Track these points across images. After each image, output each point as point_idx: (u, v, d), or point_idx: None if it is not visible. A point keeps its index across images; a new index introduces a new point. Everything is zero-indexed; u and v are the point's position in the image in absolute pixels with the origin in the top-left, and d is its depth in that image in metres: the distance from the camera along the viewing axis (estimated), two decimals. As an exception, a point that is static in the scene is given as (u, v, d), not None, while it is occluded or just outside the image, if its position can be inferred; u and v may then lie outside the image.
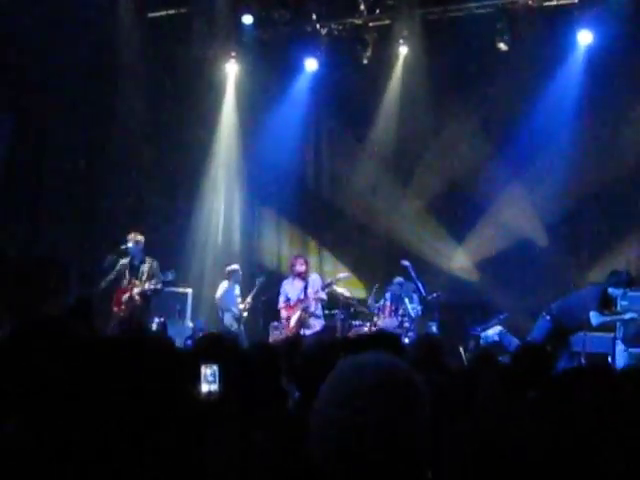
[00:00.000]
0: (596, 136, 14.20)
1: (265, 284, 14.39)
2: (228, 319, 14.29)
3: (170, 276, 13.08)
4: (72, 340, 2.96)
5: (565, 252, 14.42)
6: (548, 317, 11.50)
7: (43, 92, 14.55)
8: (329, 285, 13.76)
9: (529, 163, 14.43)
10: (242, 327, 14.27)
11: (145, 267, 12.95)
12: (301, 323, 13.35)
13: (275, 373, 4.79)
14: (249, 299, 14.35)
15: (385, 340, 5.81)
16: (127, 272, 12.93)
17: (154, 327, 12.87)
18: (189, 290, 14.96)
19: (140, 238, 13.04)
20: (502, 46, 14.43)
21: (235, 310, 14.28)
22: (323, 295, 13.59)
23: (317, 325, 13.44)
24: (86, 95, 15.38)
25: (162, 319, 13.53)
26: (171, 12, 16.34)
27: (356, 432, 2.00)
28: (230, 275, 14.56)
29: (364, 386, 2.03)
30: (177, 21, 16.25)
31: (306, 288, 13.49)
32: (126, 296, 12.82)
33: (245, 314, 14.35)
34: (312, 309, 13.46)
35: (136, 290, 12.80)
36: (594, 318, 10.99)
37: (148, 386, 2.45)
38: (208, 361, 4.14)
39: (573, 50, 14.36)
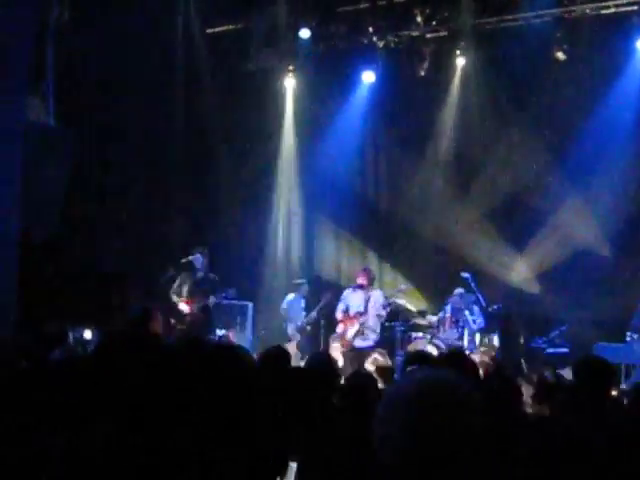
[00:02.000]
0: (657, 144, 14.02)
1: (331, 299, 14.47)
2: (291, 330, 14.51)
3: (231, 294, 13.29)
4: (156, 350, 3.06)
5: (627, 262, 14.21)
6: (637, 335, 11.30)
7: (105, 109, 14.81)
8: (390, 304, 13.77)
9: (589, 173, 14.25)
10: (305, 338, 14.42)
11: (207, 282, 13.12)
12: (357, 335, 13.38)
13: (328, 388, 4.81)
14: (314, 313, 14.54)
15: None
16: (189, 285, 13.10)
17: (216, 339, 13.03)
18: (250, 303, 15.10)
19: (205, 253, 13.22)
20: (560, 55, 14.33)
21: (299, 322, 14.50)
22: (383, 312, 13.59)
23: (372, 338, 13.42)
24: (148, 111, 15.62)
25: (226, 332, 13.70)
26: (230, 27, 16.54)
27: (412, 445, 2.04)
28: (297, 288, 14.81)
29: (417, 401, 2.06)
30: (236, 36, 16.45)
31: (367, 301, 13.51)
32: (187, 309, 12.97)
33: (309, 327, 14.53)
34: (370, 324, 13.47)
35: (196, 305, 12.96)
36: None
37: (229, 394, 2.53)
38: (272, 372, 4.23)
39: (633, 57, 14.20)
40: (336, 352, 12.57)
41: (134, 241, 15.54)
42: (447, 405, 2.06)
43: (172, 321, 13.00)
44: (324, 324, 14.88)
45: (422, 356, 6.61)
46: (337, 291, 14.71)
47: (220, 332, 13.78)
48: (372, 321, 13.49)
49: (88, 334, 12.06)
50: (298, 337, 14.40)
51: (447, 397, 2.08)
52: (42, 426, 3.28)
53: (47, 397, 3.67)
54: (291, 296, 14.87)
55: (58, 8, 13.94)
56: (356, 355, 12.53)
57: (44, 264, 13.59)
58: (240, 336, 14.54)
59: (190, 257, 13.11)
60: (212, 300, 13.05)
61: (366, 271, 14.05)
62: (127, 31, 14.35)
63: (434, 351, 13.02)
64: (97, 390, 2.89)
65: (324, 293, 14.73)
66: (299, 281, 14.97)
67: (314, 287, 15.28)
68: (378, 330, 13.59)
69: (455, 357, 6.06)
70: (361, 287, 13.67)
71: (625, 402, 5.88)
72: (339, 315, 13.76)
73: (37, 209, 13.26)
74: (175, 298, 13.07)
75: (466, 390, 2.13)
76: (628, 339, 11.08)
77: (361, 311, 13.47)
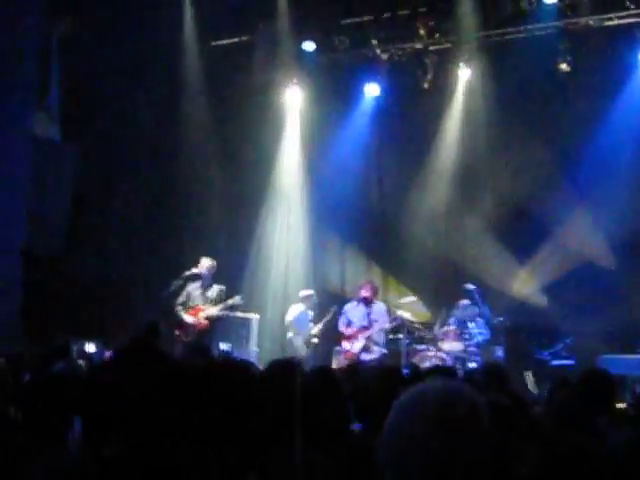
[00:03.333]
0: (662, 156, 14.01)
1: (337, 313, 14.43)
2: (298, 341, 14.41)
3: (238, 300, 13.25)
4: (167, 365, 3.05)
5: (631, 274, 14.17)
6: None
7: (110, 123, 14.84)
8: (395, 319, 13.77)
9: (593, 185, 14.21)
10: (311, 351, 14.37)
11: (213, 293, 13.13)
12: (364, 350, 13.39)
13: (341, 399, 4.80)
14: (320, 325, 14.45)
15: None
16: (196, 296, 13.10)
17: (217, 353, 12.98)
18: (254, 316, 15.07)
19: (213, 264, 13.22)
20: (564, 67, 14.35)
21: (306, 334, 14.40)
22: (387, 326, 13.61)
23: (376, 351, 13.44)
24: (152, 123, 15.66)
25: (228, 346, 13.68)
26: (234, 40, 16.59)
27: (421, 460, 2.03)
28: (304, 300, 14.72)
29: (426, 414, 2.05)
30: (240, 49, 16.50)
31: (369, 315, 13.51)
32: (191, 320, 12.96)
33: (315, 340, 14.46)
34: (375, 337, 13.48)
35: (202, 314, 12.96)
36: None
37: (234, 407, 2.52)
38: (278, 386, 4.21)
39: (636, 69, 14.22)
40: (339, 366, 12.52)
41: (138, 254, 15.55)
42: (466, 419, 2.05)
43: (177, 333, 12.99)
44: (327, 335, 14.84)
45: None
46: (342, 304, 14.71)
47: (224, 346, 13.74)
48: (377, 335, 13.50)
49: (91, 347, 12.07)
50: (304, 349, 14.32)
51: (466, 410, 2.07)
52: (46, 440, 3.27)
53: (50, 410, 3.66)
54: (300, 307, 14.73)
55: (63, 23, 14.00)
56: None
57: (48, 278, 13.61)
58: (244, 349, 14.51)
59: (195, 269, 13.11)
60: (217, 312, 13.04)
61: (370, 283, 14.05)
62: (132, 45, 14.42)
63: (439, 364, 13.02)
64: (106, 404, 2.89)
65: (330, 307, 14.68)
66: (307, 292, 14.84)
67: (319, 300, 15.24)
68: (382, 342, 13.60)
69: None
70: (364, 300, 13.67)
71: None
72: (342, 329, 13.76)
73: (42, 223, 13.30)
74: (180, 310, 13.06)
75: (480, 402, 2.12)
76: (638, 357, 11.06)
77: (365, 325, 13.48)
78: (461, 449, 2.02)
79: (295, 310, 14.73)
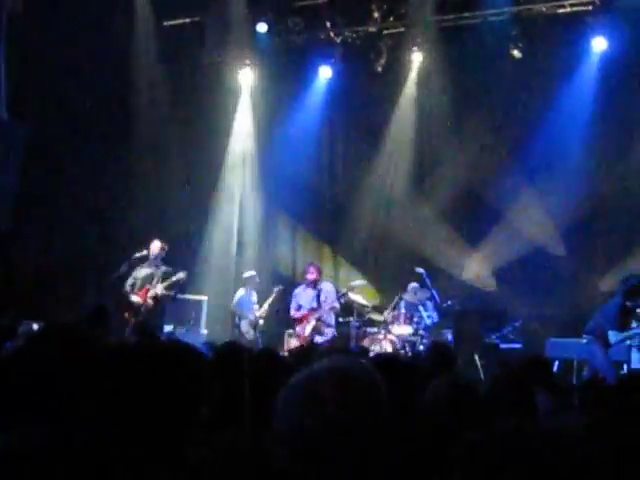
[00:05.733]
0: (610, 143, 14.16)
1: (282, 293, 14.41)
2: (244, 326, 14.35)
3: (182, 276, 13.07)
4: (90, 347, 3.00)
5: (579, 259, 14.37)
6: (591, 337, 11.32)
7: (59, 101, 14.65)
8: (343, 295, 13.79)
9: (543, 170, 14.36)
10: (258, 334, 14.32)
11: (158, 273, 13.00)
12: (315, 332, 13.40)
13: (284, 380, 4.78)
14: (266, 306, 14.39)
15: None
16: (143, 278, 12.99)
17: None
18: (204, 298, 15.01)
19: (163, 246, 13.10)
20: (516, 53, 14.46)
21: (251, 317, 14.34)
22: (337, 305, 13.64)
23: (329, 333, 13.49)
24: (103, 103, 15.47)
25: (171, 328, 13.60)
26: (186, 20, 16.44)
27: (314, 435, 2.03)
28: (247, 282, 14.65)
29: (317, 391, 2.05)
30: (192, 29, 16.36)
31: (319, 297, 13.55)
32: (139, 301, 12.85)
33: (261, 322, 14.41)
34: (325, 317, 13.51)
35: (149, 295, 12.85)
36: (612, 337, 10.88)
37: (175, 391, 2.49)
38: (227, 370, 4.18)
39: (587, 57, 14.34)
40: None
41: (89, 235, 15.41)
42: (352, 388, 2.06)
43: (126, 315, 12.87)
44: (277, 318, 14.83)
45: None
46: (291, 285, 14.70)
47: (168, 328, 13.62)
48: (327, 316, 13.52)
49: (37, 328, 11.92)
50: (252, 333, 14.27)
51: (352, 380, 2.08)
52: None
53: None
54: (241, 291, 14.67)
55: (10, 1, 13.75)
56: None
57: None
58: (194, 331, 14.42)
59: (145, 252, 12.98)
60: (163, 291, 12.90)
61: (313, 265, 14.08)
62: (81, 23, 14.22)
63: (389, 346, 13.10)
64: (26, 387, 2.85)
65: (275, 286, 14.62)
66: (249, 274, 14.74)
67: (269, 282, 15.21)
68: (333, 323, 13.64)
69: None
70: (311, 283, 13.70)
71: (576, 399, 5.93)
72: (293, 313, 13.78)
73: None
74: (129, 290, 12.94)
75: (372, 377, 2.13)
76: (584, 340, 11.16)
77: (315, 307, 13.50)
78: (354, 419, 2.03)
79: (238, 294, 14.67)
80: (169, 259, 13.31)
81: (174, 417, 2.49)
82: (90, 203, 15.60)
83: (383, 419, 2.08)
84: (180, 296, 13.51)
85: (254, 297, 14.58)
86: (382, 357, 5.53)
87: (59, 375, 2.88)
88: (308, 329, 13.45)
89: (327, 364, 2.15)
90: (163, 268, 13.05)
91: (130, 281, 12.97)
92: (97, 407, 2.54)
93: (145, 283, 12.96)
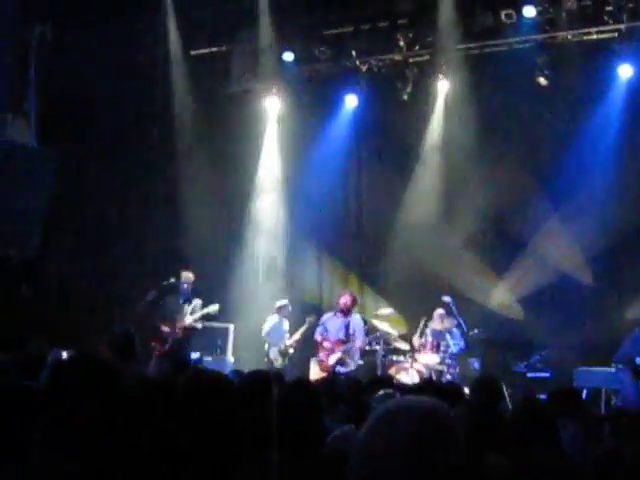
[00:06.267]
0: (637, 170, 14.07)
1: (314, 323, 14.39)
2: (273, 353, 14.36)
3: (215, 309, 13.20)
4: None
5: (606, 287, 14.23)
6: (620, 366, 11.24)
7: (87, 129, 14.79)
8: (375, 339, 13.82)
9: (570, 198, 14.28)
10: (287, 362, 14.32)
11: (190, 305, 13.07)
12: (339, 363, 13.35)
13: (316, 411, 4.78)
14: (297, 336, 14.42)
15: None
16: (175, 310, 13.04)
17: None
18: (231, 325, 15.02)
19: (192, 277, 13.17)
20: (542, 81, 14.44)
21: (282, 345, 14.37)
22: (366, 343, 13.64)
23: (352, 365, 13.43)
24: (130, 131, 15.60)
25: (197, 355, 13.63)
26: (214, 50, 16.57)
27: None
28: (279, 310, 14.68)
29: (396, 433, 2.02)
30: (219, 58, 16.49)
31: (347, 327, 13.49)
32: (169, 331, 12.90)
33: (291, 350, 14.42)
34: (352, 352, 13.46)
35: (178, 326, 12.90)
36: None
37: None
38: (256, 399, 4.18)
39: (614, 84, 14.30)
40: (315, 376, 12.49)
41: (115, 262, 15.48)
42: (443, 436, 2.03)
43: (153, 344, 12.92)
44: (305, 346, 14.81)
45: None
46: (319, 313, 14.65)
47: (195, 355, 13.66)
48: (353, 350, 13.49)
49: (65, 356, 11.94)
50: (280, 361, 14.27)
51: (443, 427, 2.05)
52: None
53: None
54: (273, 319, 14.70)
55: (40, 27, 13.92)
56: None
57: (23, 283, 13.51)
58: (220, 359, 14.45)
59: (172, 279, 13.05)
60: (193, 323, 13.00)
61: (350, 293, 14.04)
62: (110, 51, 14.37)
63: (415, 375, 13.02)
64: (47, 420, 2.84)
65: (307, 316, 14.63)
66: (281, 303, 14.80)
67: (296, 309, 15.21)
68: (358, 356, 13.58)
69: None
70: (342, 312, 13.64)
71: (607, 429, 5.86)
72: (318, 338, 13.73)
73: (17, 229, 13.19)
74: (157, 322, 13.00)
75: (451, 417, 2.10)
76: (613, 370, 11.06)
77: (343, 339, 13.45)
78: (437, 467, 2.00)
79: (270, 321, 14.68)
80: (196, 287, 13.36)
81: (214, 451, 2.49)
82: (117, 228, 15.68)
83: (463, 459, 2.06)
84: (207, 324, 13.56)
85: (285, 325, 14.61)
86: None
87: (85, 409, 2.88)
88: (333, 358, 13.40)
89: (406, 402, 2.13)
90: (195, 301, 13.13)
91: (161, 312, 13.04)
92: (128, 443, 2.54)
93: (175, 314, 13.02)
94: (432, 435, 2.02)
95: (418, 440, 2.00)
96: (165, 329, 12.91)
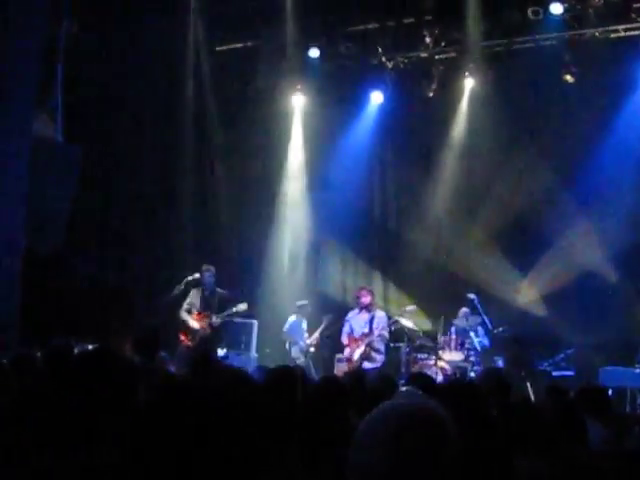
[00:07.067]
0: (665, 168, 13.99)
1: (332, 321, 14.43)
2: (295, 352, 14.46)
3: (244, 307, 13.29)
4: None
5: (632, 285, 14.14)
6: None
7: (113, 125, 14.85)
8: (394, 323, 13.73)
9: (597, 196, 14.21)
10: (309, 360, 14.39)
11: (216, 299, 13.12)
12: (364, 357, 13.31)
13: (344, 407, 4.78)
14: (317, 334, 14.57)
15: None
16: (199, 303, 13.10)
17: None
18: (255, 321, 15.06)
19: (212, 270, 13.21)
20: (569, 78, 14.38)
21: (302, 343, 14.49)
22: (386, 333, 13.54)
23: (378, 360, 13.38)
24: (155, 127, 15.65)
25: (224, 352, 13.68)
26: (239, 45, 16.60)
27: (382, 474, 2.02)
28: (299, 310, 14.80)
29: (389, 432, 2.05)
30: (245, 54, 16.51)
31: (371, 322, 13.46)
32: (196, 326, 12.95)
33: (312, 349, 14.50)
34: (375, 344, 13.41)
35: (207, 321, 12.95)
36: None
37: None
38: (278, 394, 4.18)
39: (640, 80, 14.22)
40: (341, 374, 12.48)
41: (140, 257, 15.54)
42: (427, 436, 2.05)
43: (181, 338, 12.99)
44: (327, 343, 14.84)
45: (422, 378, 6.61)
46: (341, 311, 14.66)
47: (222, 352, 13.72)
48: (377, 342, 13.42)
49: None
50: (302, 359, 14.35)
51: (428, 428, 2.07)
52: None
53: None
54: (293, 318, 14.82)
55: (67, 24, 13.98)
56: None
57: (48, 279, 13.59)
58: (244, 355, 14.51)
59: (197, 274, 13.10)
60: (219, 319, 13.06)
61: (365, 289, 14.00)
62: (136, 47, 14.42)
63: (439, 373, 12.99)
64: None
65: (326, 315, 14.70)
66: (301, 303, 14.91)
67: (318, 307, 15.23)
68: (383, 350, 13.53)
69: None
70: (365, 307, 13.61)
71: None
72: (344, 339, 13.68)
73: (43, 224, 13.27)
74: (185, 315, 13.06)
75: (445, 421, 2.11)
76: (637, 371, 11.02)
77: (366, 332, 13.42)
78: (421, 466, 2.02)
79: (290, 320, 14.81)
80: (220, 281, 13.41)
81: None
82: (140, 224, 15.74)
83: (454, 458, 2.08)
84: (229, 319, 13.61)
85: (304, 324, 14.75)
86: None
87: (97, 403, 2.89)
88: (357, 353, 13.37)
89: (405, 405, 2.16)
90: (219, 293, 13.17)
91: (186, 306, 13.10)
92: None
93: (202, 308, 13.08)
94: (415, 434, 2.04)
95: (398, 438, 2.03)
96: (194, 324, 12.96)
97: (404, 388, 6.04)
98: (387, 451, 2.03)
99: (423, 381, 6.13)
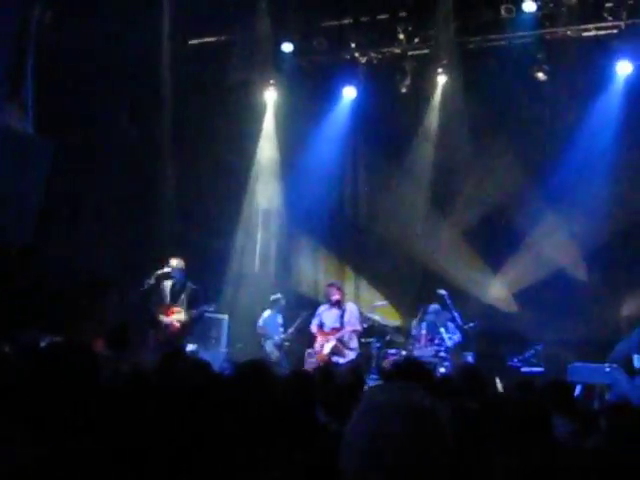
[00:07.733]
0: (634, 166, 14.07)
1: (308, 318, 14.44)
2: (269, 346, 14.49)
3: (210, 308, 13.29)
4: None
5: (602, 283, 14.25)
6: (614, 365, 11.29)
7: (85, 117, 14.74)
8: (366, 320, 13.78)
9: (567, 193, 14.30)
10: (283, 354, 14.41)
11: (186, 294, 13.05)
12: (335, 352, 13.31)
13: (310, 403, 4.78)
14: (292, 330, 14.57)
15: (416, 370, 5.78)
16: (169, 296, 13.03)
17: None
18: (225, 316, 15.04)
19: (182, 263, 13.14)
20: (540, 76, 14.46)
21: (277, 338, 14.51)
22: (359, 327, 13.56)
23: (351, 355, 13.40)
24: (128, 119, 15.57)
25: (194, 347, 13.64)
26: (211, 39, 16.53)
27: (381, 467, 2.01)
28: (273, 304, 14.79)
29: (386, 425, 2.04)
30: (218, 48, 16.45)
31: (342, 317, 13.47)
32: (166, 320, 12.89)
33: (287, 344, 14.52)
34: (347, 339, 13.42)
35: (175, 317, 12.89)
36: (637, 361, 10.85)
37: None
38: (249, 388, 4.17)
39: (612, 80, 14.31)
40: (311, 368, 12.48)
41: (111, 251, 15.45)
42: (420, 425, 2.04)
43: (151, 332, 12.92)
44: (300, 338, 14.85)
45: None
46: (313, 307, 14.66)
47: (192, 347, 13.66)
48: (348, 336, 13.43)
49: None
50: (276, 353, 14.37)
51: (420, 418, 2.06)
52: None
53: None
54: (267, 312, 14.82)
55: (39, 11, 13.86)
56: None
57: (18, 272, 13.47)
58: (214, 350, 14.48)
59: (167, 268, 13.01)
60: (189, 316, 13.00)
61: (335, 286, 13.99)
62: (110, 38, 14.32)
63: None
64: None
65: (301, 312, 14.72)
66: (275, 297, 14.91)
67: (291, 302, 15.24)
68: (355, 346, 13.52)
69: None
70: (336, 303, 13.62)
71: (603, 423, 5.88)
72: (314, 329, 13.70)
73: (13, 216, 13.16)
74: (155, 309, 12.99)
75: (436, 410, 2.11)
76: (607, 369, 11.09)
77: (337, 327, 13.43)
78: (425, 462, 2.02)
79: (264, 315, 14.81)
80: (191, 277, 13.35)
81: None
82: (113, 217, 15.66)
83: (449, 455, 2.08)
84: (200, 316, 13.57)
85: (279, 319, 14.73)
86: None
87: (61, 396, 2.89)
88: (327, 348, 13.37)
89: (395, 399, 2.14)
90: (189, 287, 13.10)
91: (155, 299, 13.02)
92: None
93: (171, 302, 13.01)
94: (418, 435, 2.03)
95: (402, 439, 2.03)
96: (164, 318, 12.90)
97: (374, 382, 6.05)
98: (388, 447, 2.02)
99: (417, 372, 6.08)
